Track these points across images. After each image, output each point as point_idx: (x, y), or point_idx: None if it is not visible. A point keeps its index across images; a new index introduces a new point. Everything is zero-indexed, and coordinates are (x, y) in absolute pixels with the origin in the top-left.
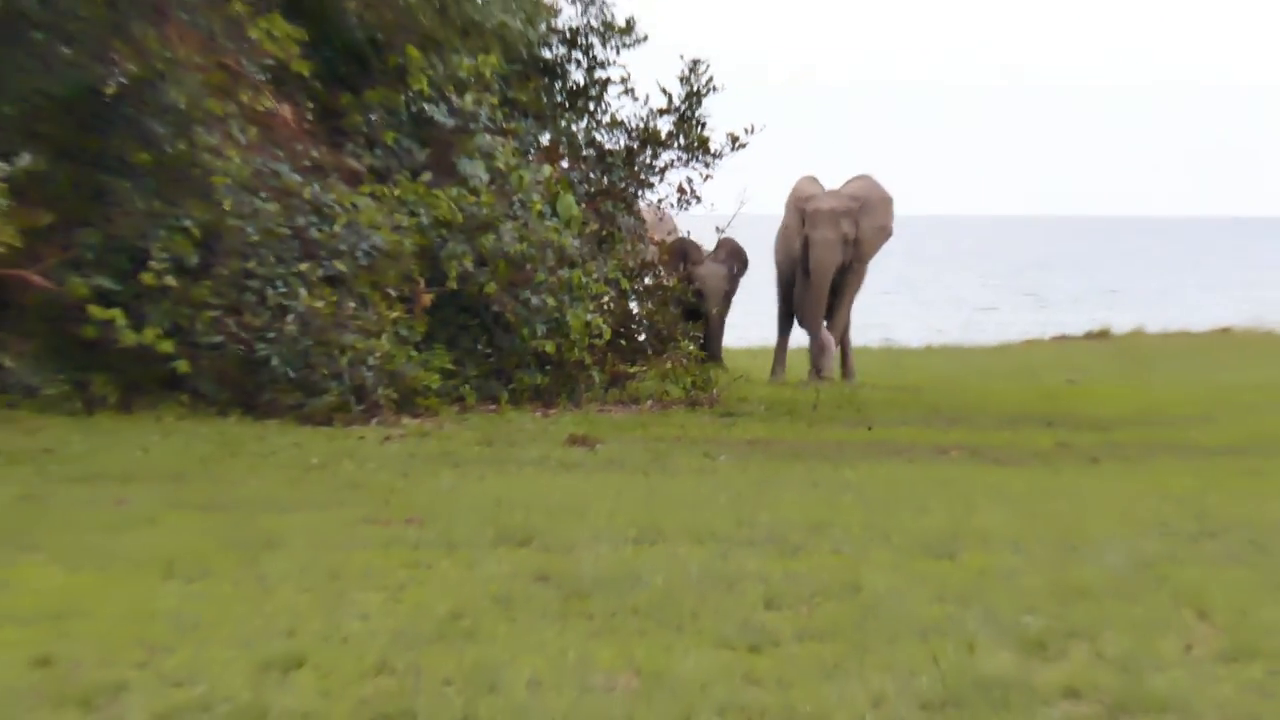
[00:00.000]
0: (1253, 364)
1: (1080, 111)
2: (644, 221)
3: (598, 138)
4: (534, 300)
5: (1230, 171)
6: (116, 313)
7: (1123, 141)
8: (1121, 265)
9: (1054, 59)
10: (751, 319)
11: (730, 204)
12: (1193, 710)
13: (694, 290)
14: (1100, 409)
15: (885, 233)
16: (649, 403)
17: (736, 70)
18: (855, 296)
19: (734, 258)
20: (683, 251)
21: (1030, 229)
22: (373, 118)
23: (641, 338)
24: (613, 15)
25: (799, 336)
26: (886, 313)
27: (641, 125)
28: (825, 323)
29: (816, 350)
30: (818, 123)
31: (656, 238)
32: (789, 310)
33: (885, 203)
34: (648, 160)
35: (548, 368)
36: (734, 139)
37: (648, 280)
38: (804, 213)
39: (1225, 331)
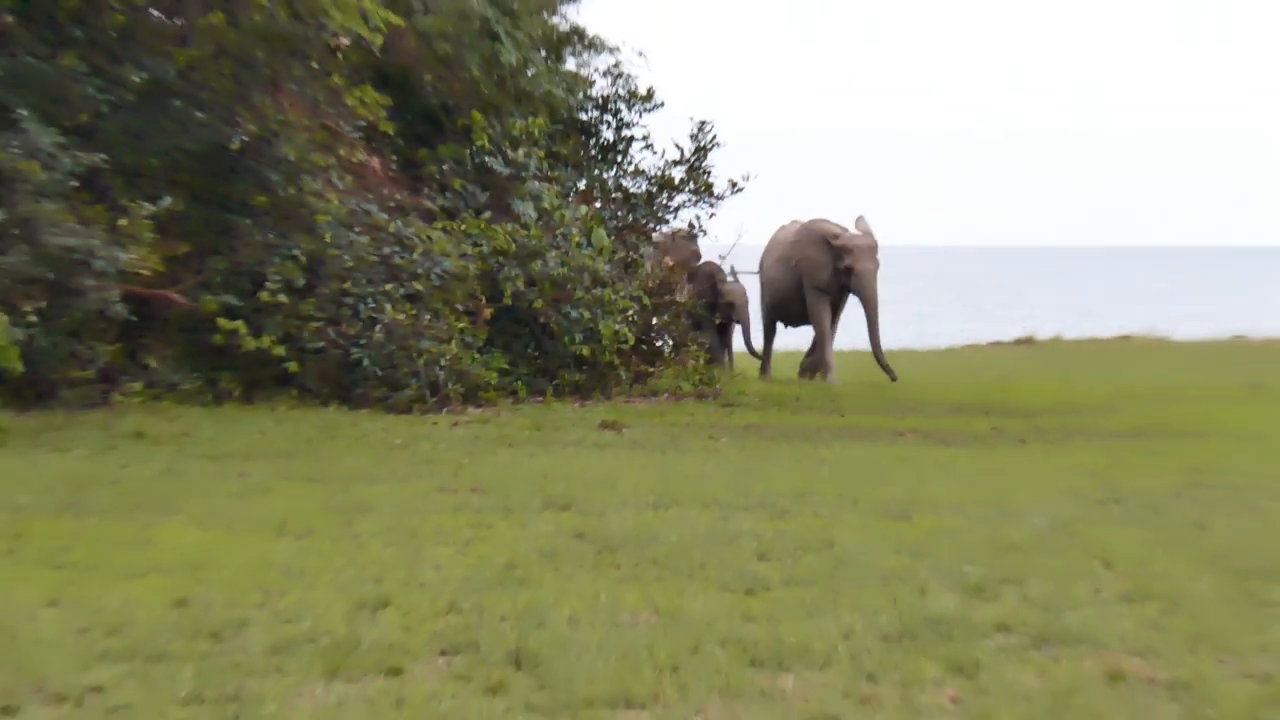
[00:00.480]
0: (1149, 365)
1: (1022, 158)
2: (668, 249)
3: (624, 183)
4: (573, 313)
5: (1126, 208)
6: (240, 324)
7: (1043, 182)
8: (1044, 285)
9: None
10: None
11: (730, 236)
12: (1100, 641)
13: (726, 303)
14: (1027, 401)
15: None
16: (665, 396)
17: (738, 122)
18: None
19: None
20: (711, 274)
21: (973, 257)
22: (444, 168)
23: (659, 343)
24: (636, 85)
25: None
26: (854, 321)
27: (659, 173)
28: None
29: (830, 361)
30: (799, 167)
31: (672, 259)
32: (774, 321)
33: None
34: (664, 202)
35: (584, 368)
36: (733, 184)
37: (665, 297)
38: (838, 248)
39: (1126, 339)
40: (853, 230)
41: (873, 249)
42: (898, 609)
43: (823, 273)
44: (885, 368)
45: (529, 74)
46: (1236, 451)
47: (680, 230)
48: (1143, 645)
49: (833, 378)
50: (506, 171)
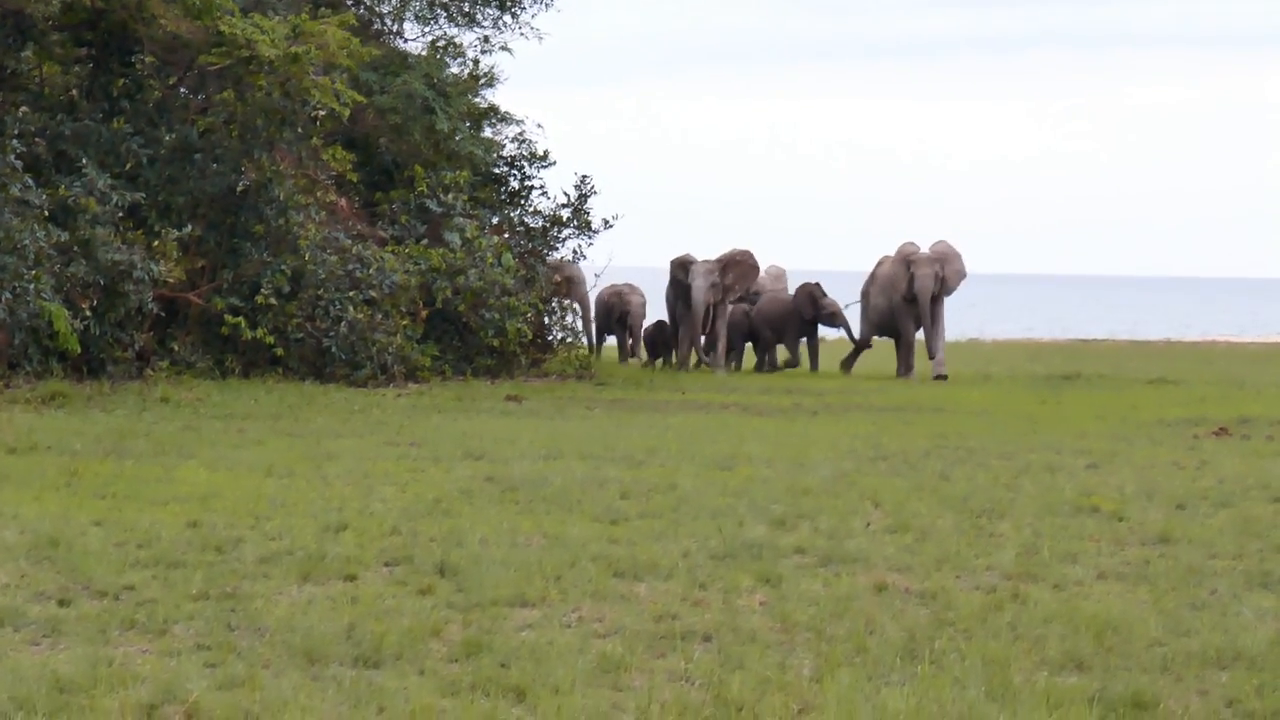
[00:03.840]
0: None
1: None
2: (565, 273)
3: (526, 220)
4: (487, 315)
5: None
6: (241, 320)
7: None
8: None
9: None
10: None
11: (604, 260)
12: (870, 561)
13: (829, 314)
14: (817, 384)
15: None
16: (554, 377)
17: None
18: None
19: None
20: (811, 292)
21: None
22: (394, 207)
23: (549, 337)
24: (535, 148)
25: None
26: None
27: (552, 213)
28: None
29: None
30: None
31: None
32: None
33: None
34: (556, 234)
35: (494, 355)
36: (605, 221)
37: (554, 304)
38: (908, 263)
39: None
40: (924, 250)
41: (932, 259)
42: (722, 536)
43: (901, 284)
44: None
45: (457, 139)
46: (971, 423)
47: (774, 266)
48: (901, 564)
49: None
50: (439, 210)
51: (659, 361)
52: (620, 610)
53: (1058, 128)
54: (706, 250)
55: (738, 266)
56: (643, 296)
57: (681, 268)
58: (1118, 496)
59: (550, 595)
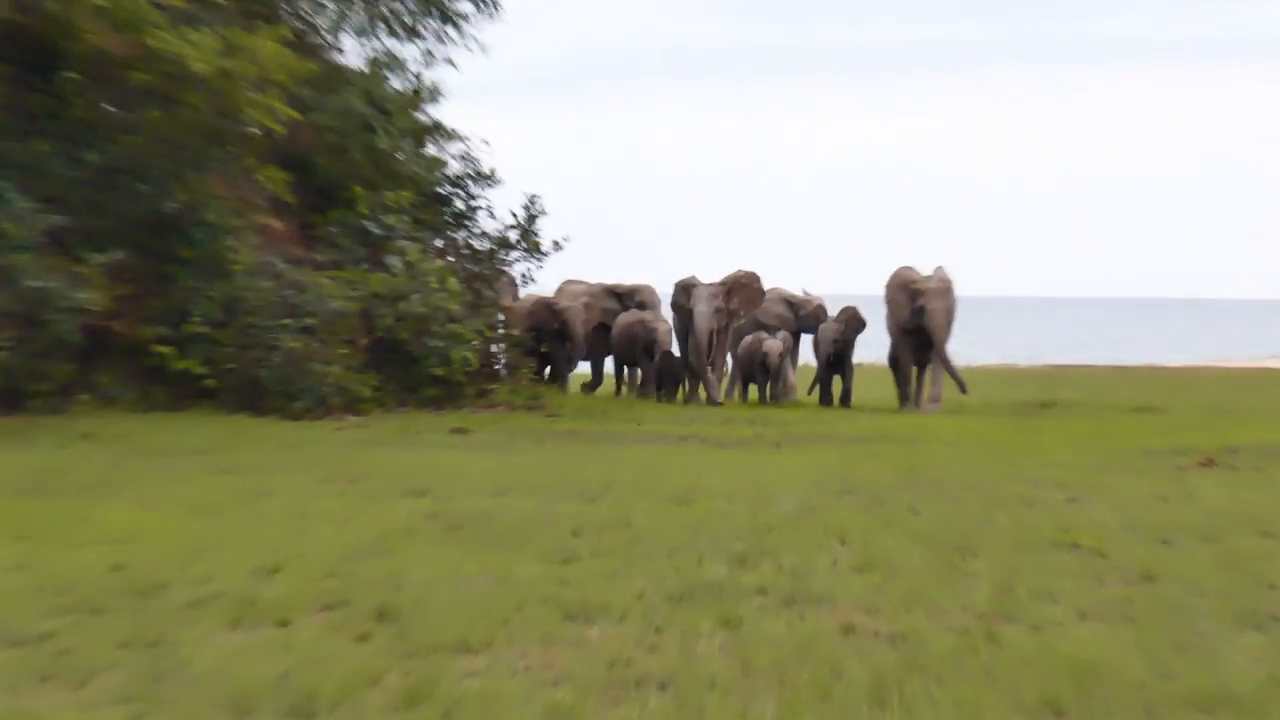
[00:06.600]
0: (873, 387)
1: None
2: (505, 294)
3: (471, 243)
4: (431, 343)
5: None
6: (170, 349)
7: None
8: None
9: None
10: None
11: (554, 282)
12: (836, 601)
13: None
14: (780, 415)
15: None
16: (502, 408)
17: (563, 192)
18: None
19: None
20: (856, 315)
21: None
22: (332, 229)
23: (496, 366)
24: (481, 167)
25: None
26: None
27: (499, 235)
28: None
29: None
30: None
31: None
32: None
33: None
34: (503, 256)
35: (439, 385)
36: (555, 243)
37: (503, 331)
38: (914, 291)
39: (859, 365)
40: (930, 276)
41: (942, 291)
42: (680, 575)
43: (903, 312)
44: (955, 379)
45: (398, 157)
46: (940, 454)
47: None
48: (869, 604)
49: (925, 408)
50: (380, 233)
51: (662, 393)
52: (571, 656)
53: (1030, 146)
54: (709, 272)
55: (743, 290)
56: (669, 325)
57: (684, 291)
58: (1098, 531)
59: (497, 640)
